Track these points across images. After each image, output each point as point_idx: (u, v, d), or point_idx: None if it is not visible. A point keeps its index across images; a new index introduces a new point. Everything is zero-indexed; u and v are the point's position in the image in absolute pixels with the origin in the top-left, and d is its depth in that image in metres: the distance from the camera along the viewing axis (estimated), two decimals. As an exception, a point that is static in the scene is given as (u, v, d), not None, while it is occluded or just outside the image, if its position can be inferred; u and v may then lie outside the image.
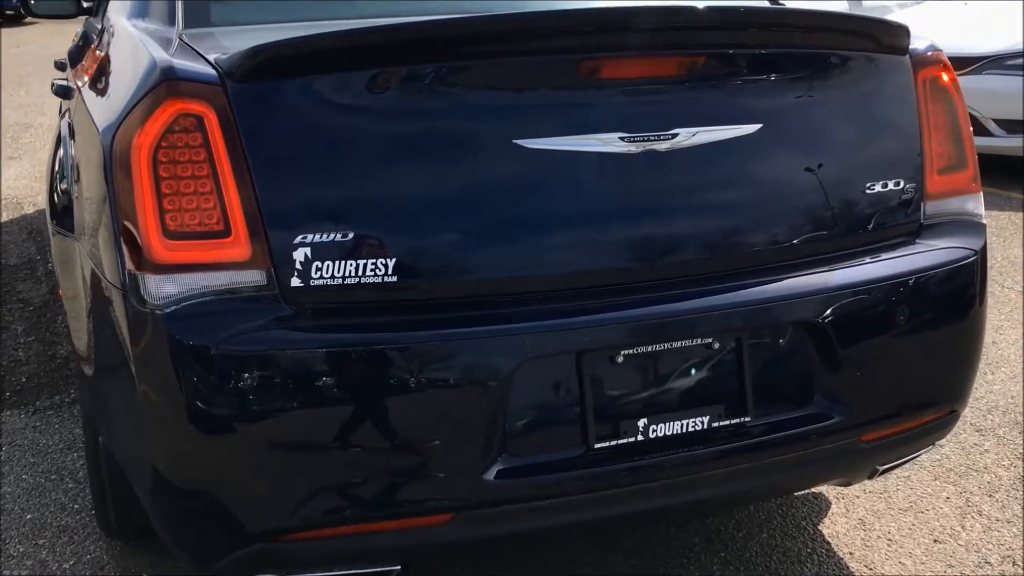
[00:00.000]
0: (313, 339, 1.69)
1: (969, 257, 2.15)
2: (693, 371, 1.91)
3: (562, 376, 1.81)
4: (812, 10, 2.07)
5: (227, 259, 1.69)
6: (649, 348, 1.85)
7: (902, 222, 2.12)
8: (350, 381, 1.70)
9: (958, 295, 2.15)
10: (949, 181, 2.21)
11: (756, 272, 1.95)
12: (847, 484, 2.42)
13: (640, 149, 1.84)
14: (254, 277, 1.70)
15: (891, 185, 2.09)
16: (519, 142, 1.78)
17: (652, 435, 1.86)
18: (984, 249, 2.21)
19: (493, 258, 1.80)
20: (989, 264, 2.33)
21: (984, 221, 2.27)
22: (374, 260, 1.72)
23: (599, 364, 1.82)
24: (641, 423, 1.85)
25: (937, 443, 2.47)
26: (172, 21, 2.11)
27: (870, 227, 2.07)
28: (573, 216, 1.83)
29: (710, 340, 1.90)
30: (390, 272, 1.73)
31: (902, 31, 2.14)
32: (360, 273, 1.72)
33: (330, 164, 1.73)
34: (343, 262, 1.71)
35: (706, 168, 1.91)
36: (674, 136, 1.86)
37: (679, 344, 1.88)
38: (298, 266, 1.70)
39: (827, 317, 1.96)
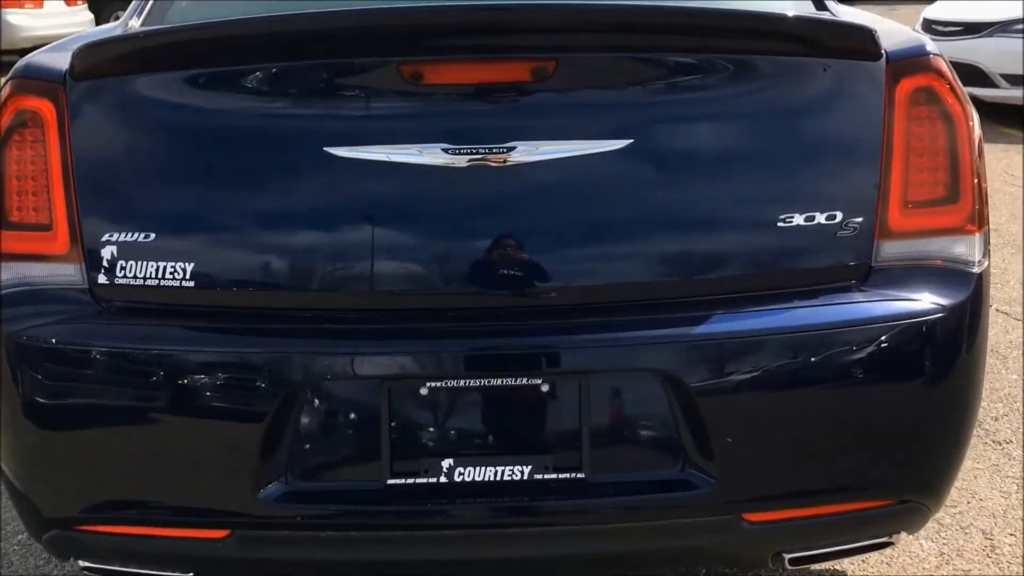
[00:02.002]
0: (103, 337, 1.70)
1: (930, 314, 1.73)
2: (515, 414, 1.70)
3: (360, 402, 1.69)
4: (709, 8, 1.75)
5: (48, 252, 1.75)
6: (460, 383, 1.68)
7: (835, 264, 1.74)
8: (131, 384, 1.69)
9: (909, 360, 1.73)
10: (928, 217, 1.78)
11: (606, 310, 1.70)
12: (749, 568, 2.05)
13: (467, 163, 1.65)
14: (68, 272, 1.74)
15: (820, 218, 1.72)
16: (330, 150, 1.67)
17: (457, 478, 1.68)
18: (966, 306, 1.76)
19: (293, 271, 1.70)
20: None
21: (978, 271, 1.80)
22: (174, 264, 1.70)
23: (401, 394, 1.68)
24: (445, 464, 1.68)
25: (910, 535, 2.02)
26: (131, 17, 2.19)
27: (781, 267, 1.73)
28: (382, 233, 1.69)
29: (538, 382, 1.68)
30: (188, 277, 1.70)
31: (848, 31, 1.75)
32: (160, 276, 1.70)
33: (139, 165, 1.73)
34: (145, 263, 1.70)
35: (552, 188, 1.68)
36: (510, 150, 1.66)
37: (498, 382, 1.68)
38: (105, 264, 1.72)
39: (696, 369, 1.67)
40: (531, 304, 1.70)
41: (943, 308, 1.74)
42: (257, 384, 1.66)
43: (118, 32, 2.06)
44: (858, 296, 1.74)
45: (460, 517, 1.69)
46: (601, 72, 1.71)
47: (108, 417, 1.71)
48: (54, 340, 1.70)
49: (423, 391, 1.67)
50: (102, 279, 1.72)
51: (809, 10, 2.14)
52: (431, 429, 1.70)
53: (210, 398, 1.67)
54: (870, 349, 1.71)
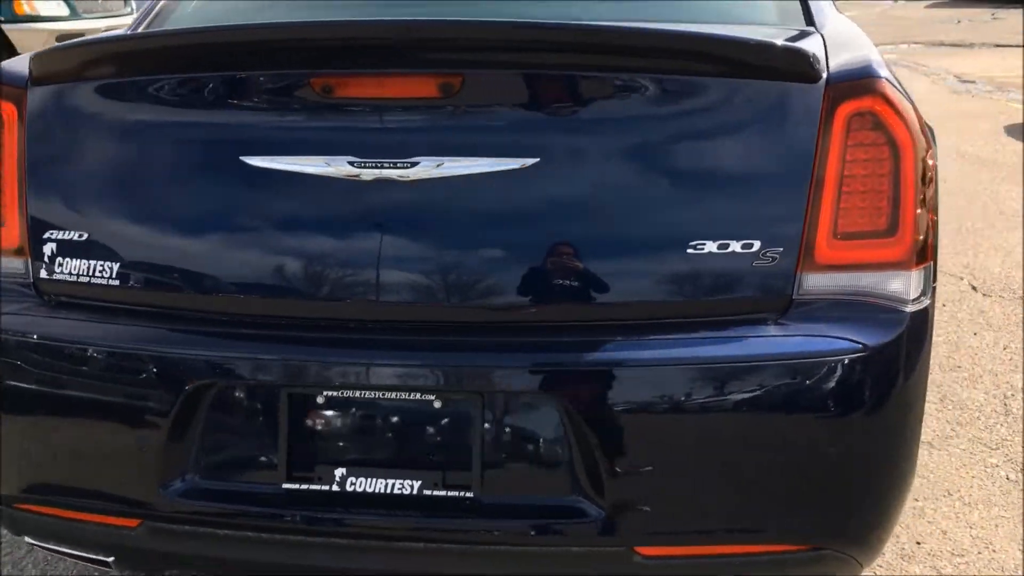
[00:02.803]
0: (37, 329, 1.80)
1: (848, 352, 1.63)
2: (407, 429, 1.70)
3: (261, 407, 1.73)
4: (621, 27, 1.70)
5: (3, 246, 1.86)
6: (354, 394, 1.69)
7: (750, 295, 1.66)
8: (56, 374, 1.78)
9: (820, 400, 1.64)
10: (860, 250, 1.68)
11: (502, 330, 1.68)
12: None
13: (372, 177, 1.67)
14: (17, 265, 1.85)
15: (735, 246, 1.64)
16: (245, 159, 1.72)
17: (349, 488, 1.70)
18: (894, 347, 1.65)
19: (201, 275, 1.75)
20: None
21: (913, 309, 1.69)
22: (100, 263, 1.78)
23: (300, 401, 1.71)
24: (339, 472, 1.70)
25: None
26: (138, 22, 2.31)
27: (689, 296, 1.66)
28: (287, 242, 1.72)
29: (431, 398, 1.67)
30: (112, 276, 1.78)
31: (776, 52, 1.66)
32: (89, 274, 1.79)
33: (75, 167, 1.82)
34: (77, 261, 1.80)
35: (454, 205, 1.67)
36: (413, 165, 1.66)
37: (392, 396, 1.69)
38: (46, 260, 1.82)
39: (589, 396, 1.63)
40: (426, 320, 1.69)
41: (864, 347, 1.64)
42: (161, 382, 1.72)
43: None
44: (772, 330, 1.65)
45: (351, 527, 1.71)
46: (509, 90, 1.69)
47: (36, 404, 1.81)
48: (14, 329, 1.80)
49: (320, 399, 1.70)
50: (43, 274, 1.82)
51: (797, 18, 2.06)
52: (326, 437, 1.72)
53: (120, 392, 1.74)
54: (775, 386, 1.63)
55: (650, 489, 1.66)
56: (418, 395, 1.68)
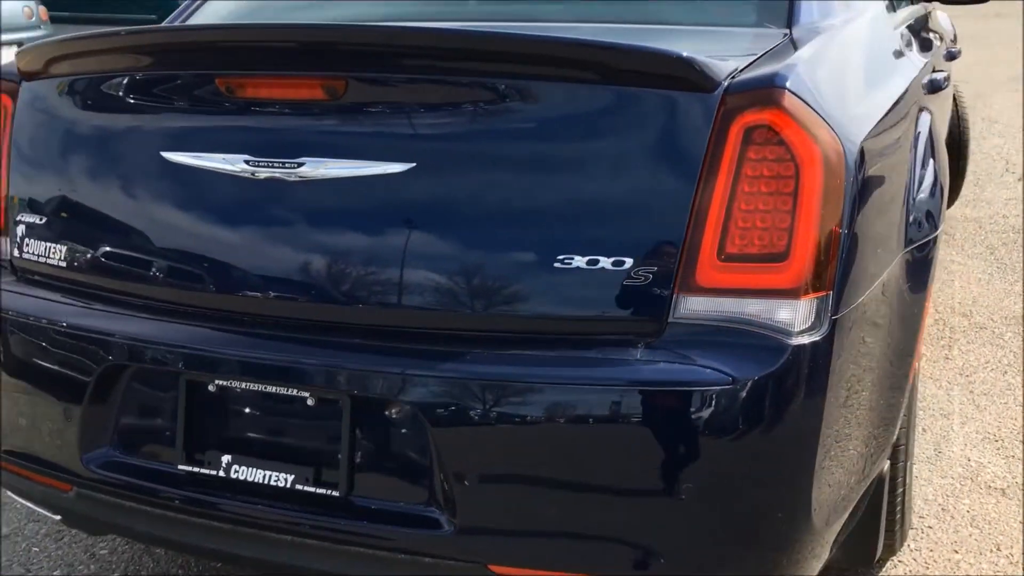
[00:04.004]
0: (5, 302, 1.98)
1: (715, 384, 1.51)
2: (285, 423, 1.74)
3: (164, 390, 1.82)
4: (502, 33, 1.64)
5: None
6: (240, 385, 1.75)
7: (619, 315, 1.57)
8: (11, 343, 1.95)
9: (674, 433, 1.53)
10: (747, 274, 1.56)
11: (369, 334, 1.68)
12: None
13: (264, 175, 1.72)
14: (1, 246, 2.05)
15: (605, 263, 1.56)
16: (163, 154, 1.81)
17: (233, 475, 1.76)
18: (769, 382, 1.52)
19: (121, 262, 1.86)
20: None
21: (799, 343, 1.54)
22: (47, 244, 1.94)
23: (196, 388, 1.78)
24: (224, 459, 1.77)
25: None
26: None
27: (554, 312, 1.59)
28: (193, 235, 1.79)
29: (306, 395, 1.70)
30: (61, 258, 1.93)
31: (660, 60, 1.56)
32: (41, 254, 1.95)
33: (40, 156, 1.98)
34: (37, 243, 1.96)
35: (334, 206, 1.69)
36: (299, 166, 1.69)
37: (272, 390, 1.73)
38: (18, 240, 2.00)
39: (441, 407, 1.60)
40: (303, 318, 1.72)
41: (733, 380, 1.51)
42: (81, 358, 1.85)
43: None
44: (638, 353, 1.56)
45: (232, 512, 1.77)
46: (391, 94, 1.69)
47: (3, 369, 1.98)
48: None
49: (211, 388, 1.77)
50: (16, 253, 2.00)
51: (777, 18, 1.94)
52: (216, 424, 1.79)
53: (53, 364, 1.89)
54: (627, 414, 1.54)
55: (502, 508, 1.61)
56: (295, 391, 1.71)
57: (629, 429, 1.54)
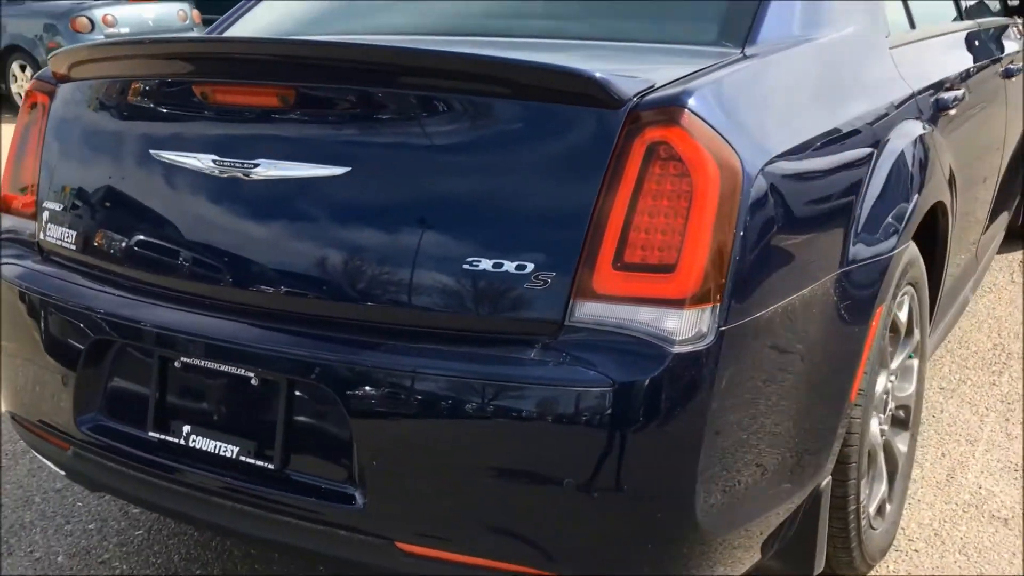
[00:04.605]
0: (29, 278, 2.22)
1: (595, 385, 1.60)
2: (233, 399, 1.91)
3: (143, 363, 2.02)
4: (439, 52, 1.76)
5: (24, 211, 2.32)
6: (200, 363, 1.93)
7: (520, 316, 1.68)
8: (31, 315, 2.19)
9: (559, 427, 1.63)
10: (639, 283, 1.64)
11: (302, 321, 1.83)
12: None
13: (226, 174, 1.90)
14: (31, 227, 2.30)
15: (508, 266, 1.67)
16: (152, 152, 2.01)
17: (191, 443, 1.95)
18: (646, 387, 1.60)
19: (116, 248, 2.06)
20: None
21: (681, 351, 1.61)
22: (64, 230, 2.17)
23: (167, 364, 1.98)
24: (185, 428, 1.96)
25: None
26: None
27: (461, 310, 1.71)
28: (170, 226, 1.98)
29: (251, 375, 1.87)
30: (71, 242, 2.16)
31: (570, 78, 1.65)
32: (59, 238, 2.19)
33: (64, 152, 2.22)
34: (56, 227, 2.21)
35: (280, 204, 1.85)
36: (255, 167, 1.86)
37: (223, 368, 1.90)
38: (43, 224, 2.25)
39: (355, 393, 1.74)
40: (251, 303, 1.89)
41: (612, 383, 1.60)
42: (76, 331, 2.07)
43: None
44: (532, 352, 1.66)
45: (188, 477, 1.95)
46: (331, 104, 1.84)
47: (19, 337, 2.23)
48: (11, 275, 2.24)
49: (177, 364, 1.96)
50: (41, 235, 2.25)
51: (736, 36, 2.01)
52: (181, 397, 1.98)
53: (57, 334, 2.12)
54: (516, 408, 1.64)
55: (408, 490, 1.74)
56: (242, 371, 1.88)
57: (517, 423, 1.64)
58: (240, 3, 2.86)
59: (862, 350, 2.00)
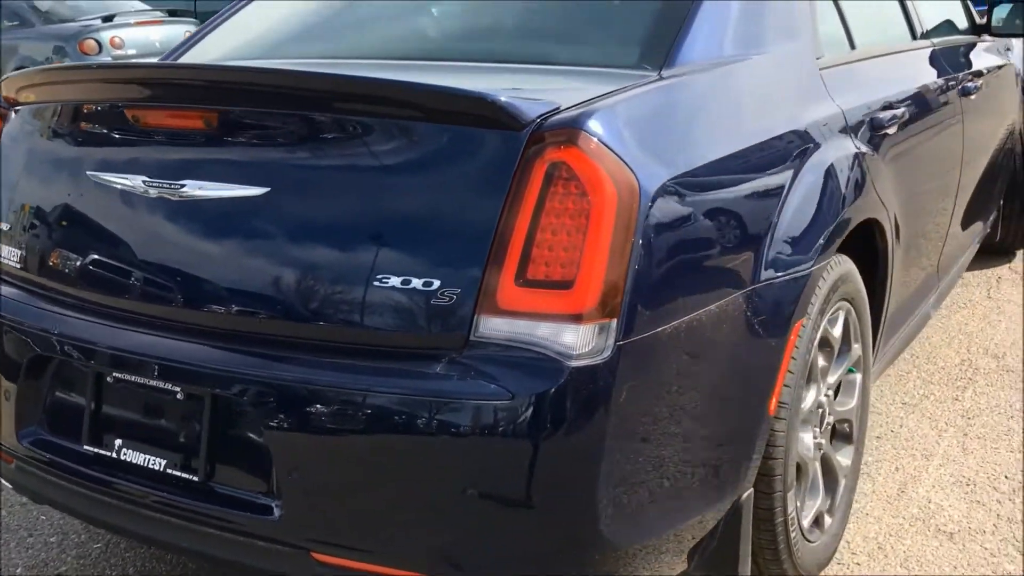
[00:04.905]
0: None
1: (494, 398, 1.65)
2: (161, 413, 1.96)
3: (79, 378, 2.08)
4: (354, 77, 1.82)
5: None
6: (131, 378, 1.98)
7: (426, 331, 1.73)
8: None
9: (467, 440, 1.67)
10: (540, 299, 1.69)
11: (228, 337, 1.89)
12: None
13: (156, 195, 1.96)
14: None
15: (416, 283, 1.72)
16: (90, 173, 2.08)
17: (123, 457, 2.00)
18: (543, 399, 1.64)
19: (55, 267, 2.13)
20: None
21: (579, 364, 1.65)
22: (9, 248, 2.24)
23: (101, 379, 2.04)
24: (117, 442, 2.01)
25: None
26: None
27: (374, 326, 1.76)
28: (105, 244, 2.05)
29: (178, 390, 1.93)
30: (14, 259, 2.23)
31: (470, 101, 1.71)
32: (8, 257, 2.26)
33: (12, 174, 2.29)
34: (4, 247, 2.28)
35: (204, 224, 1.92)
36: (182, 187, 1.93)
37: (152, 383, 1.95)
38: None
39: (270, 407, 1.80)
40: (177, 320, 1.94)
41: (512, 396, 1.65)
42: (18, 347, 2.13)
43: None
44: (438, 367, 1.71)
45: (120, 490, 2.01)
46: (250, 126, 1.90)
47: None
48: None
49: (110, 379, 2.02)
50: None
51: (655, 59, 2.06)
52: (112, 411, 2.03)
53: (1, 350, 2.18)
54: (421, 421, 1.69)
55: (321, 500, 1.79)
56: (168, 386, 1.94)
57: (422, 435, 1.69)
58: (200, 28, 2.94)
59: (779, 364, 2.04)
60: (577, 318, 1.66)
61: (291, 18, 2.88)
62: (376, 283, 1.75)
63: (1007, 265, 4.97)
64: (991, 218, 4.52)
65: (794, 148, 2.15)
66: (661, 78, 2.01)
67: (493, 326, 1.70)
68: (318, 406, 1.76)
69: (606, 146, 1.69)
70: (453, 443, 1.68)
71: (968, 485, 2.94)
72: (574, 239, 1.67)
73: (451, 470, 1.70)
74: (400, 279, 1.73)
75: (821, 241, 2.14)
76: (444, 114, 1.76)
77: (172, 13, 12.30)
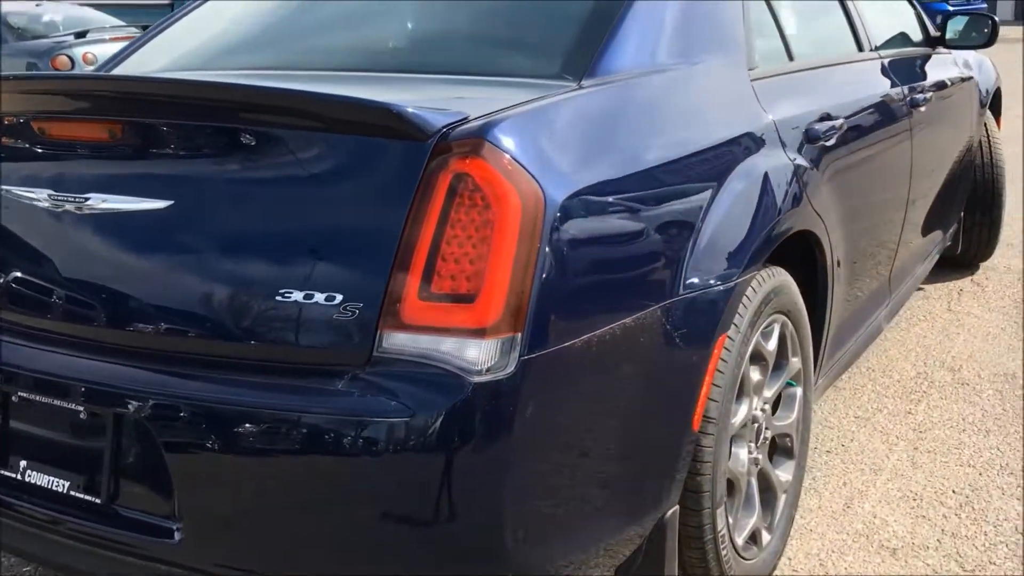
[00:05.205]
0: None
1: (398, 416, 1.61)
2: (65, 433, 1.91)
3: None
4: (260, 87, 1.79)
5: None
6: (35, 397, 1.93)
7: (330, 346, 1.68)
8: None
9: (369, 457, 1.63)
10: (444, 313, 1.65)
11: (131, 355, 1.84)
12: None
13: (61, 208, 1.91)
14: None
15: (319, 297, 1.68)
16: (3, 188, 2.03)
17: (27, 479, 1.94)
18: (445, 417, 1.60)
19: None
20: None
21: (481, 380, 1.61)
22: None
23: (7, 399, 1.98)
24: (22, 463, 1.96)
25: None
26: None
27: (277, 341, 1.71)
28: (11, 260, 1.99)
29: (80, 410, 1.87)
30: None
31: (382, 113, 1.67)
32: None
33: None
34: None
35: (109, 237, 1.87)
36: (87, 200, 1.88)
37: (55, 403, 1.90)
38: None
39: (170, 427, 1.75)
40: (81, 337, 1.89)
41: (412, 413, 1.60)
42: None
43: None
44: (340, 383, 1.67)
45: (25, 513, 1.95)
46: (153, 138, 1.86)
47: None
48: None
49: (15, 399, 1.96)
50: None
51: (576, 69, 2.03)
52: (18, 432, 1.98)
53: None
54: (322, 438, 1.65)
55: (221, 522, 1.74)
56: (72, 405, 1.88)
57: (322, 454, 1.65)
58: (137, 38, 2.90)
59: (702, 379, 2.00)
60: (480, 332, 1.61)
61: (232, 27, 2.84)
62: (279, 297, 1.70)
63: (969, 277, 4.95)
64: (951, 230, 4.50)
65: (719, 160, 2.12)
66: (580, 88, 1.97)
67: (397, 341, 1.65)
68: (218, 425, 1.71)
69: (511, 157, 1.65)
70: (354, 462, 1.63)
71: (915, 500, 2.90)
72: (478, 252, 1.63)
73: (354, 490, 1.65)
74: (303, 293, 1.69)
75: (747, 254, 2.11)
76: (350, 125, 1.72)
77: (147, 29, 12.26)
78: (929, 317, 4.43)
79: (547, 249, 1.65)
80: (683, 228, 1.97)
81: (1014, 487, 2.94)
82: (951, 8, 19.65)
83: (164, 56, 2.71)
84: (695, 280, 1.96)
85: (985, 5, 21.35)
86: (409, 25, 2.53)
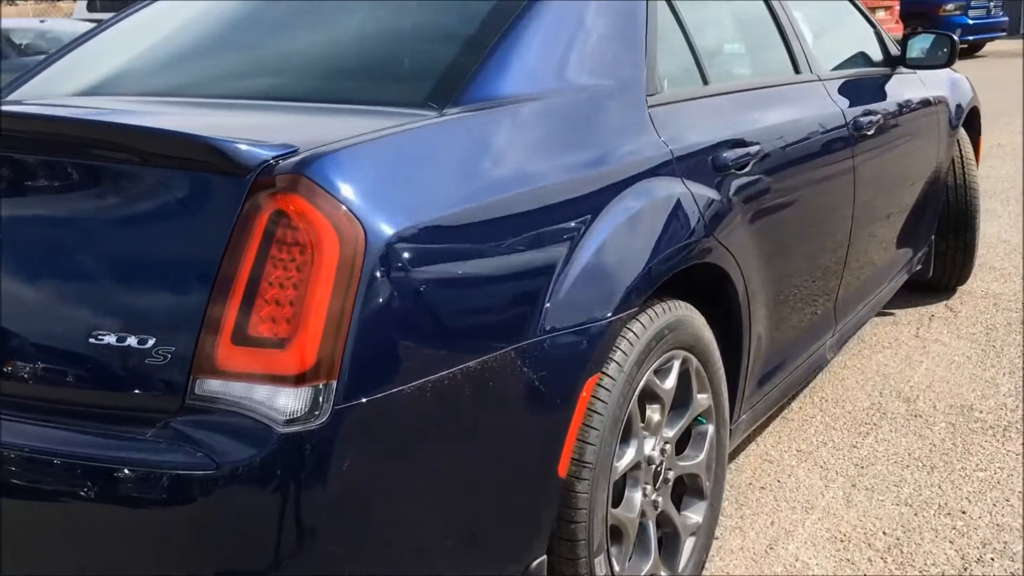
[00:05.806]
0: None
1: (201, 468, 1.52)
2: None
3: None
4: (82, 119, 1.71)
5: None
6: None
7: (143, 393, 1.60)
8: None
9: (172, 514, 1.55)
10: (258, 359, 1.57)
11: None
12: None
13: None
14: None
15: (131, 341, 1.60)
16: None
17: None
18: (248, 470, 1.52)
19: None
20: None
21: (291, 431, 1.53)
22: None
23: None
24: None
25: None
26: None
27: (89, 387, 1.64)
28: None
29: None
30: None
31: (201, 146, 1.59)
32: None
33: None
34: None
35: None
36: None
37: None
38: None
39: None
40: None
41: (216, 466, 1.52)
42: None
43: None
44: (150, 432, 1.58)
45: None
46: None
47: None
48: None
49: None
50: None
51: (444, 96, 1.94)
52: None
53: None
54: (125, 491, 1.56)
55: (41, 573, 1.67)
56: None
57: (129, 508, 1.56)
58: (48, 56, 2.85)
59: (567, 422, 1.90)
60: (292, 380, 1.53)
61: (146, 47, 2.77)
62: (93, 340, 1.63)
63: (944, 302, 4.80)
64: (919, 255, 4.37)
65: (592, 193, 2.01)
66: (441, 117, 1.89)
67: (209, 388, 1.57)
68: (29, 473, 1.63)
69: (330, 194, 1.57)
70: (156, 516, 1.55)
71: (842, 541, 2.78)
72: (296, 294, 1.54)
73: (158, 546, 1.56)
74: (116, 336, 1.61)
75: (625, 291, 2.00)
76: (168, 158, 1.64)
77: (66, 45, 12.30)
78: (895, 344, 4.30)
79: (367, 291, 1.56)
80: (542, 264, 1.87)
81: (948, 529, 2.81)
82: (971, 22, 19.45)
83: (68, 76, 2.65)
84: (557, 320, 1.87)
85: (1007, 18, 21.01)
86: (308, 49, 2.44)
